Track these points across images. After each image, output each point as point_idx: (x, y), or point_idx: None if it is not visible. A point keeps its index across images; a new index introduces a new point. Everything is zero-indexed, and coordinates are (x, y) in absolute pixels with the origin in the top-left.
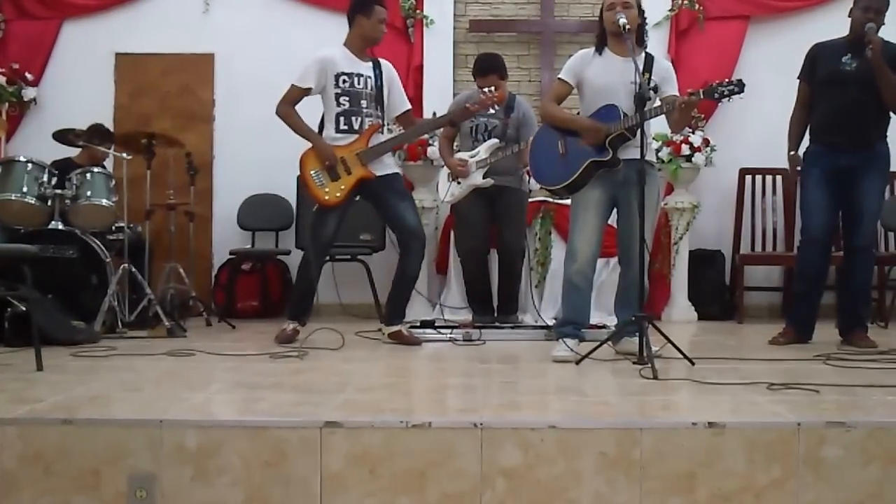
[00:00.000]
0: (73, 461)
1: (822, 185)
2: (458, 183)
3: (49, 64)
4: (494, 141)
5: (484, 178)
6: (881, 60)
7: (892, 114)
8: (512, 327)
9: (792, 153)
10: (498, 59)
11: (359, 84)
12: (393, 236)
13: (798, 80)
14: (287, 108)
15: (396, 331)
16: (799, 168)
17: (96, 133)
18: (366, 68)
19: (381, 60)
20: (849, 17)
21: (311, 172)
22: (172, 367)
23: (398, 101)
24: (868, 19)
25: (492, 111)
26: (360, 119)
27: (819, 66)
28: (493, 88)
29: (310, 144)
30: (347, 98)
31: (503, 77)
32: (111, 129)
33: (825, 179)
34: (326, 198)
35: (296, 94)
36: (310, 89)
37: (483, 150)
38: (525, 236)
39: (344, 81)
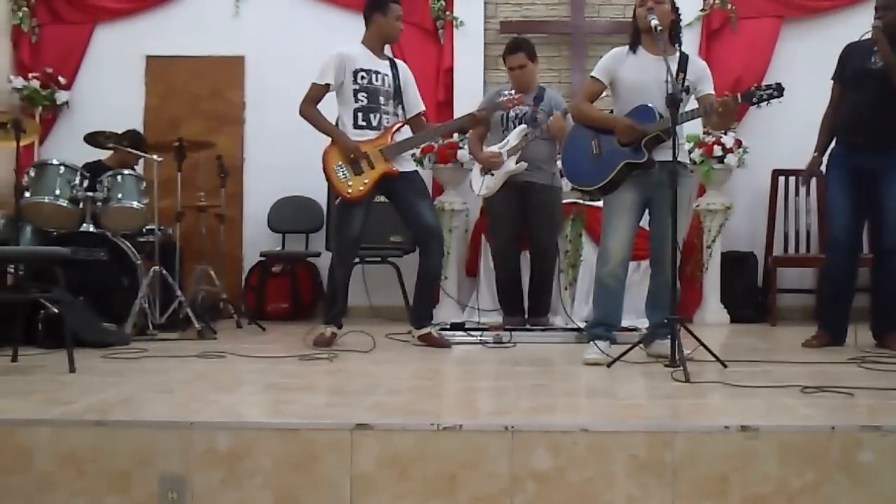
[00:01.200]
0: (106, 462)
1: (843, 186)
2: (492, 175)
3: (81, 67)
4: (523, 126)
5: (517, 163)
6: (892, 59)
7: None
8: (542, 329)
9: (815, 155)
10: (527, 40)
11: (377, 81)
12: None
13: (832, 82)
14: (309, 107)
15: (426, 333)
16: (815, 172)
17: (131, 140)
18: (383, 66)
19: (397, 60)
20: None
21: (335, 166)
22: (203, 369)
23: (412, 102)
24: (877, 17)
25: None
26: (378, 116)
27: (848, 66)
28: (513, 92)
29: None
30: (365, 94)
31: (531, 58)
32: (142, 131)
33: (847, 180)
34: (349, 191)
35: (317, 92)
36: (329, 85)
37: (513, 138)
38: (557, 234)
39: (362, 78)
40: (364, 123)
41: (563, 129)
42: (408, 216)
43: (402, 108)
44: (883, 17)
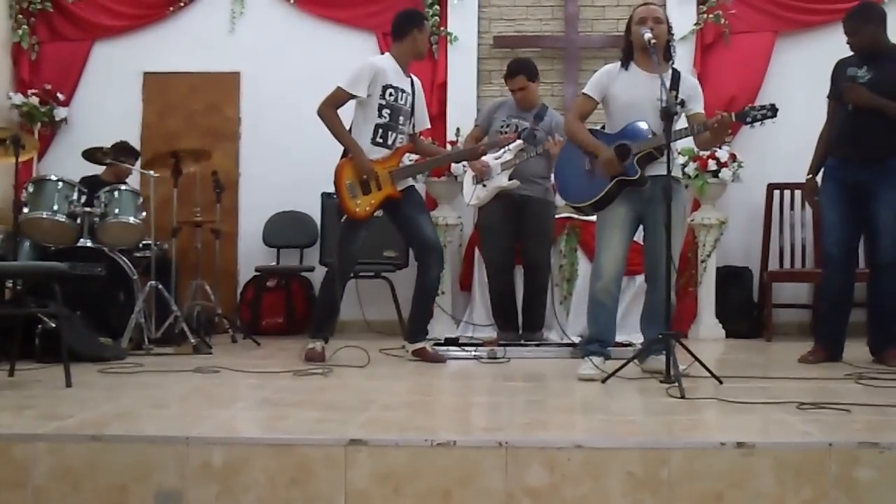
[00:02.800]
0: (101, 477)
1: (837, 201)
2: (484, 185)
3: (80, 84)
4: (519, 142)
5: (510, 179)
6: (875, 103)
7: None
8: (537, 345)
9: (809, 177)
10: (527, 61)
11: (401, 100)
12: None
13: (828, 100)
14: (331, 111)
15: (420, 348)
16: (815, 190)
17: (121, 150)
18: (407, 84)
19: (414, 77)
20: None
21: (347, 183)
22: (198, 384)
23: (420, 119)
24: (849, 45)
25: (523, 116)
26: (395, 135)
27: (838, 81)
28: (512, 127)
29: (336, 152)
30: (389, 112)
31: (532, 79)
32: (138, 146)
33: (840, 194)
34: (357, 210)
35: (342, 98)
36: (356, 96)
37: (508, 152)
38: (550, 249)
39: (390, 94)
40: (381, 141)
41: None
42: (408, 231)
43: (413, 129)
44: (852, 43)
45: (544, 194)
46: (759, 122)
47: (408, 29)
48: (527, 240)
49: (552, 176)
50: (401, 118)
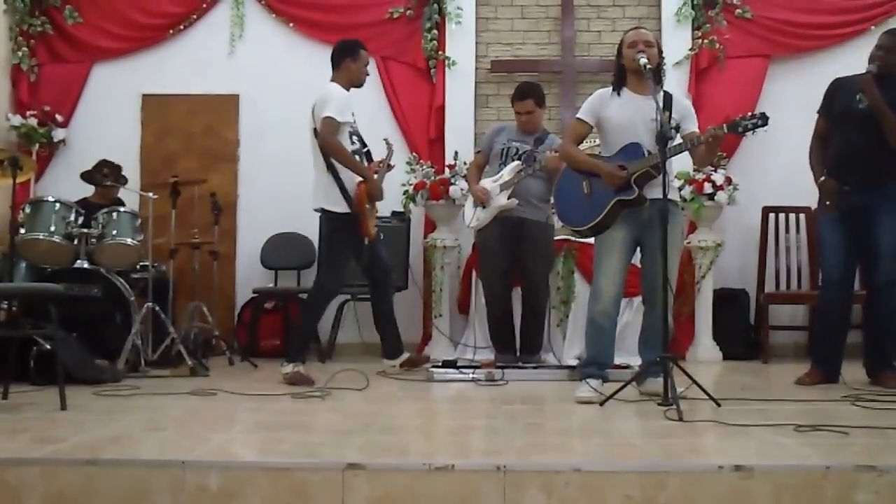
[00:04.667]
0: (96, 502)
1: (835, 224)
2: (483, 208)
3: (78, 106)
4: (517, 163)
5: (509, 199)
6: (880, 107)
7: None
8: (535, 367)
9: (822, 179)
10: (537, 86)
11: (356, 124)
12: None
13: (817, 115)
14: (337, 142)
15: (406, 358)
16: (833, 189)
17: (106, 166)
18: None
19: None
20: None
21: (367, 206)
22: (195, 407)
23: None
24: (877, 57)
25: (524, 140)
26: (362, 159)
27: (836, 102)
28: (513, 150)
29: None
30: (357, 138)
31: (540, 104)
32: (137, 168)
33: (839, 218)
34: (372, 232)
35: (337, 128)
36: (343, 123)
37: (507, 173)
38: (549, 271)
39: (354, 121)
40: None
41: (559, 168)
42: (367, 255)
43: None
44: (884, 57)
45: (544, 217)
46: (752, 132)
47: (339, 59)
48: (525, 261)
49: (552, 199)
50: (362, 140)
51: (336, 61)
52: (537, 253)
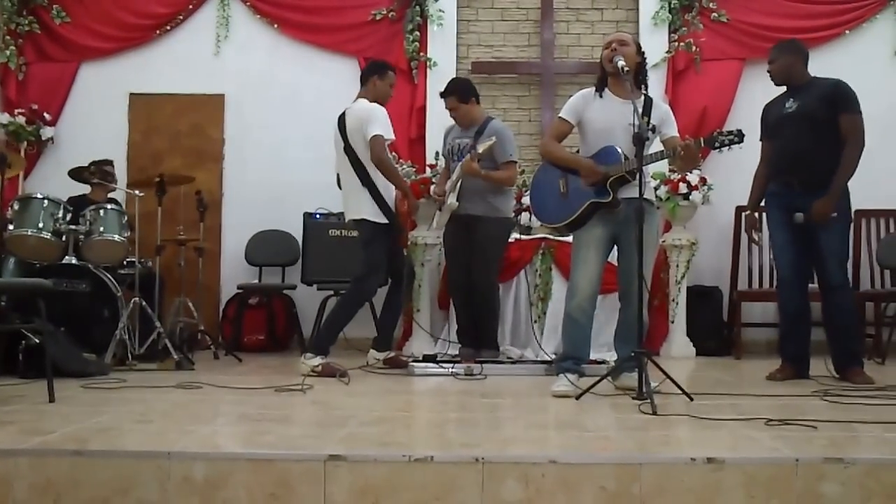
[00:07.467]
0: (83, 492)
1: (783, 225)
2: (440, 210)
3: (66, 104)
4: (460, 164)
5: (456, 199)
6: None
7: None
8: (513, 362)
9: (747, 213)
10: (458, 82)
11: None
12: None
13: (760, 142)
14: (390, 160)
15: (392, 356)
16: (756, 226)
17: (94, 164)
18: None
19: None
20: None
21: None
22: (181, 400)
23: None
24: (770, 72)
25: (466, 135)
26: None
27: (769, 118)
28: (455, 148)
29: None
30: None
31: (464, 100)
32: (124, 165)
33: (786, 218)
34: (407, 241)
35: (384, 145)
36: (388, 140)
37: (455, 173)
38: (493, 270)
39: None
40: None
41: (471, 171)
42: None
43: None
44: (772, 70)
45: (492, 212)
46: (727, 148)
47: (367, 77)
48: (471, 260)
49: (509, 191)
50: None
51: (364, 79)
52: (479, 251)
